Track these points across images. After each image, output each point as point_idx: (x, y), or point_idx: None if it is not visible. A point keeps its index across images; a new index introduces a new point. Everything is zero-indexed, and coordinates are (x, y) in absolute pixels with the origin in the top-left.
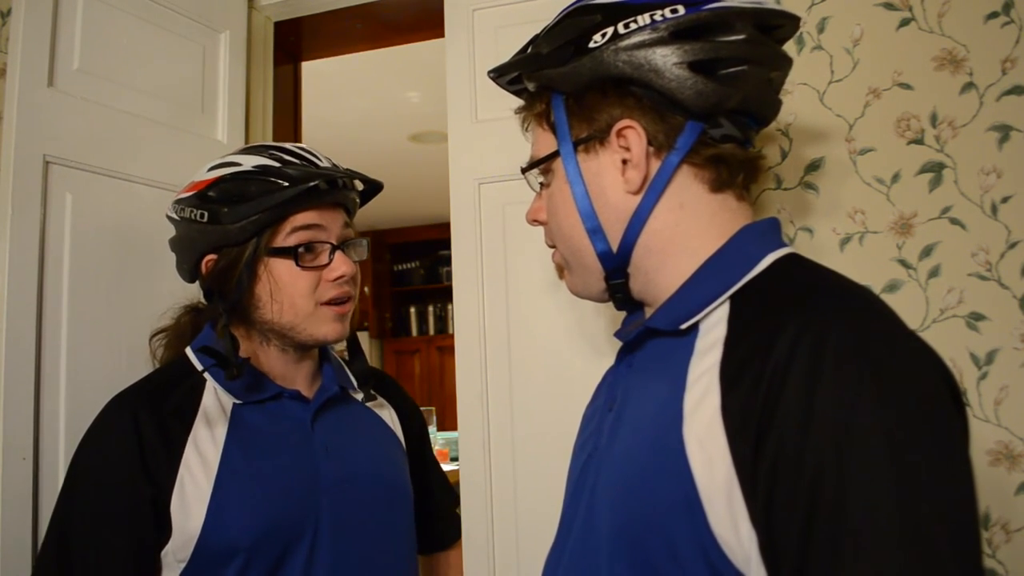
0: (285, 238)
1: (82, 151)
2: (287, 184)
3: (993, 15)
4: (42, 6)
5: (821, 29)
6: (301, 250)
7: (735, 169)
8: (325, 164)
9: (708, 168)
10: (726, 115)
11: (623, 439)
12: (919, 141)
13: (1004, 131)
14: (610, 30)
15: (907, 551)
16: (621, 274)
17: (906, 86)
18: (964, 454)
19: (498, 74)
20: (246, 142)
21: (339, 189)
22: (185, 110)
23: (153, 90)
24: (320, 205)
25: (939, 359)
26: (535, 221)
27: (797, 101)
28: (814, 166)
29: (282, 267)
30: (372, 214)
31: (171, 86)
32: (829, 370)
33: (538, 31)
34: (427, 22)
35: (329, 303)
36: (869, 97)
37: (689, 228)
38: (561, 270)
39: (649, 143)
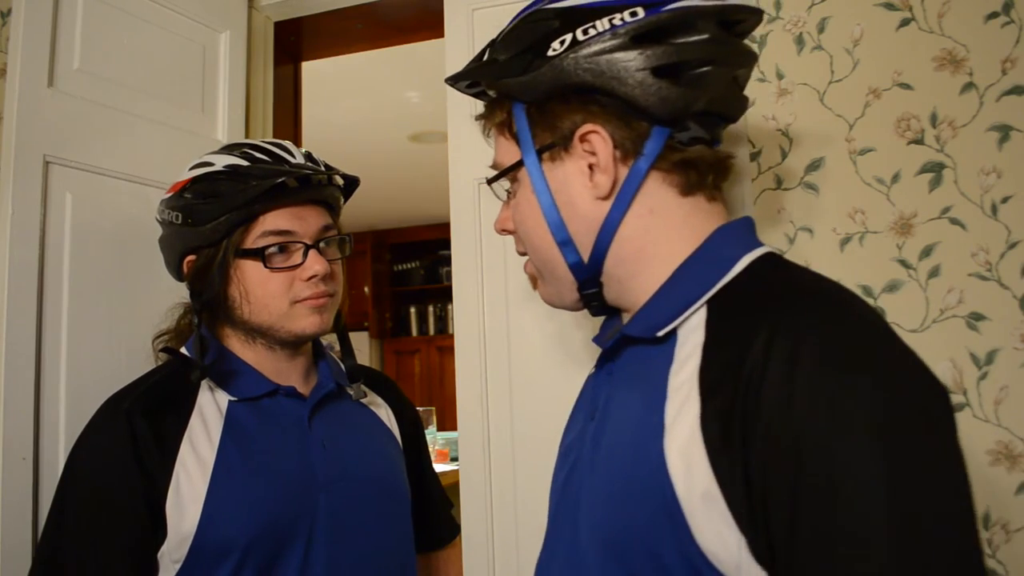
0: (255, 240)
1: (82, 151)
2: (254, 183)
3: (993, 15)
4: (42, 6)
5: (821, 29)
6: (272, 251)
7: (704, 171)
8: (298, 160)
9: (677, 173)
10: (693, 117)
11: (604, 450)
12: (919, 141)
13: (1004, 131)
14: (568, 37)
15: (902, 549)
16: (594, 283)
17: (906, 86)
18: (958, 451)
19: (454, 81)
20: None
21: (312, 186)
22: (185, 110)
23: (153, 90)
24: (292, 203)
25: (920, 359)
26: (503, 231)
27: (797, 101)
28: (814, 166)
29: (252, 269)
30: (372, 214)
31: (171, 86)
32: (805, 374)
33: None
34: (427, 22)
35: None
36: (869, 97)
37: (660, 234)
38: (534, 280)
39: (615, 148)
